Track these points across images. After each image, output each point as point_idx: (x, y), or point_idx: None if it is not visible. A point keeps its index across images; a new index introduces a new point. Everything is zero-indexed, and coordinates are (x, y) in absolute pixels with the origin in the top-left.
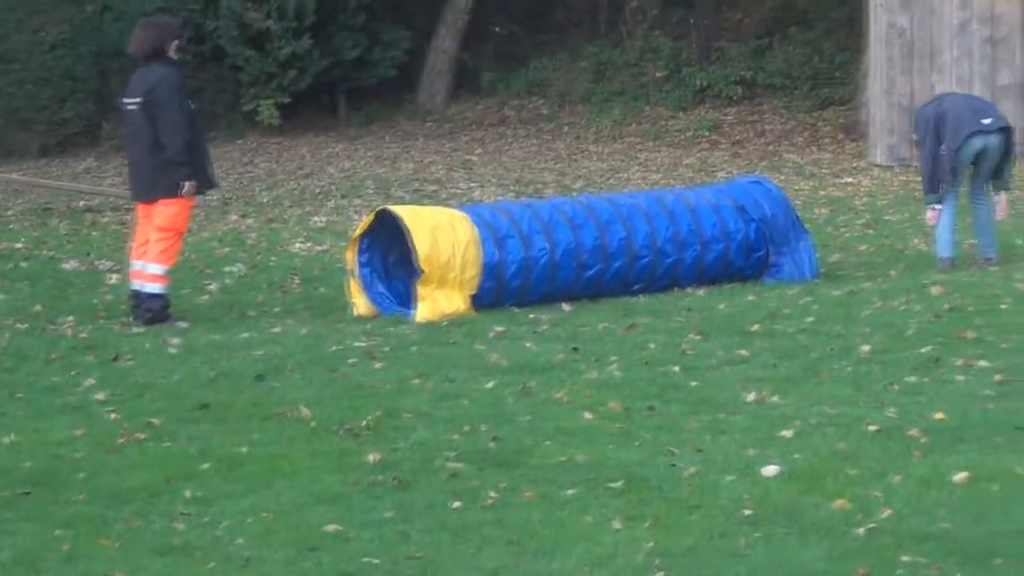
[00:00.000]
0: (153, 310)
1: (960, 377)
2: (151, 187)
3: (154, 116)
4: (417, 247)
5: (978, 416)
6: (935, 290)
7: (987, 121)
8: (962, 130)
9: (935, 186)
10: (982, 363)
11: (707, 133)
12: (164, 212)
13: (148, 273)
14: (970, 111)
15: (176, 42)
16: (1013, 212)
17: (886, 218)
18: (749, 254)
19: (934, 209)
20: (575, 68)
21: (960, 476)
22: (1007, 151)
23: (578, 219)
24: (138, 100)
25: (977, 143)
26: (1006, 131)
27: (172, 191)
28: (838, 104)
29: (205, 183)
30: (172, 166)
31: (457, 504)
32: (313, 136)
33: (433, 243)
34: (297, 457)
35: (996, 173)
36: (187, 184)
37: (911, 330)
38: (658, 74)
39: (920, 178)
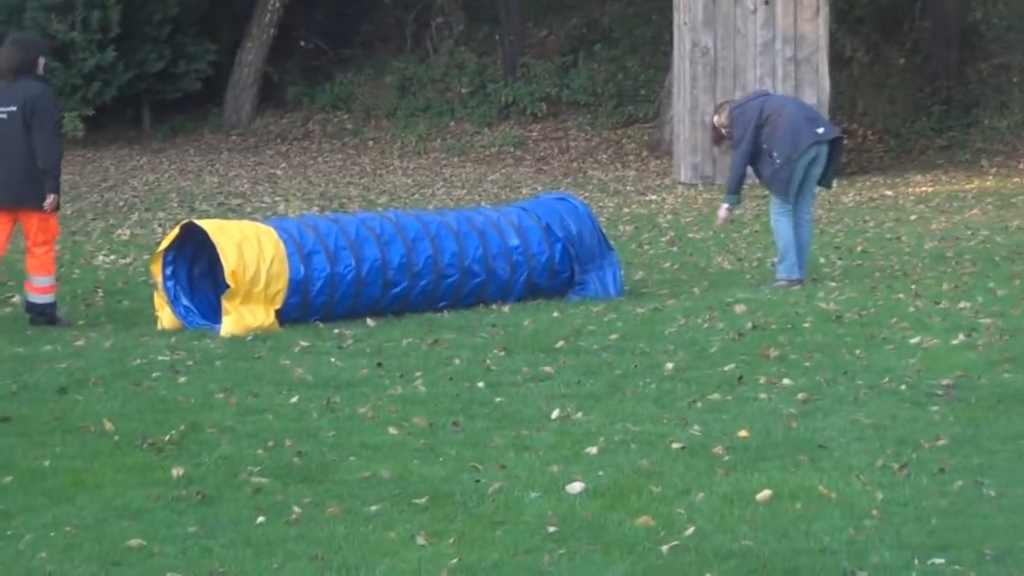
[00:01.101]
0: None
1: (763, 395)
2: (19, 196)
3: (30, 127)
4: (224, 261)
5: (781, 434)
6: (738, 308)
7: (821, 131)
8: (801, 140)
9: (739, 186)
10: (785, 381)
11: (512, 149)
12: (41, 223)
13: (36, 286)
14: (805, 120)
15: (43, 59)
16: (817, 231)
17: (690, 236)
18: (555, 274)
19: (728, 209)
20: (381, 83)
21: (763, 494)
22: (833, 159)
23: (385, 236)
24: (11, 109)
25: (812, 153)
26: (838, 140)
27: (40, 201)
28: (643, 121)
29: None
30: (42, 177)
31: (261, 519)
32: (117, 149)
33: (239, 257)
34: (100, 471)
35: (821, 179)
36: (52, 196)
37: (714, 348)
38: (463, 89)
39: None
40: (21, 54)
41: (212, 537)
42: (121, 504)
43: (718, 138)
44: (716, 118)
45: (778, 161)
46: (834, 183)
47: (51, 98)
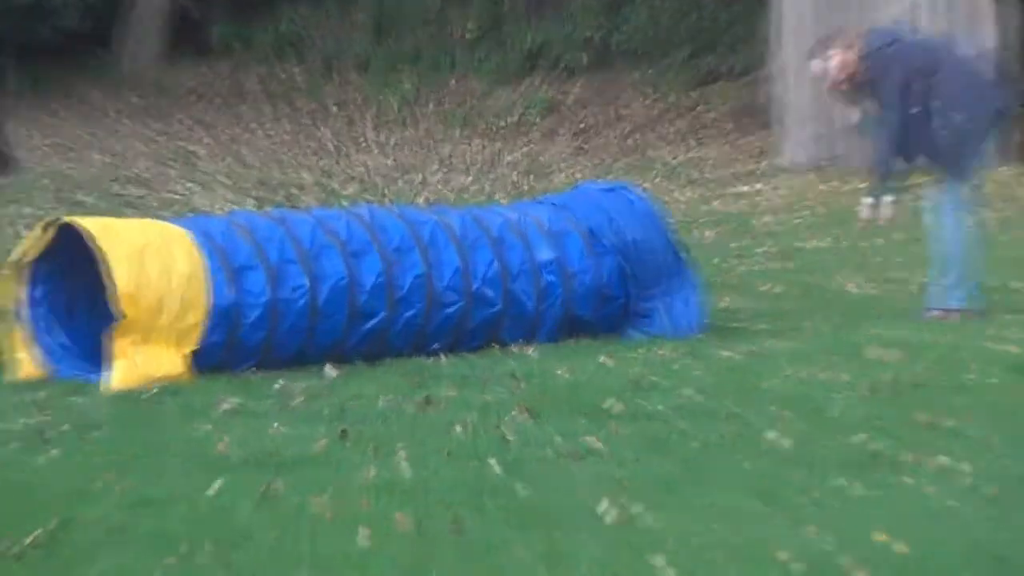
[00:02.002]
0: None
1: (911, 481)
2: None
3: None
4: (115, 279)
5: (944, 541)
6: (873, 352)
7: (999, 96)
8: (983, 100)
9: (888, 171)
10: (943, 460)
11: (539, 118)
12: None
13: None
14: (979, 73)
15: None
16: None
17: (800, 245)
18: (604, 301)
19: (873, 205)
20: (348, 22)
21: None
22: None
23: (354, 244)
24: None
25: (988, 125)
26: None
27: None
28: (729, 78)
29: None
30: None
31: None
32: None
33: (139, 274)
34: None
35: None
36: None
37: (838, 410)
38: (468, 32)
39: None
40: None
41: None
42: None
43: (844, 89)
44: (822, 61)
45: (944, 133)
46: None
47: None
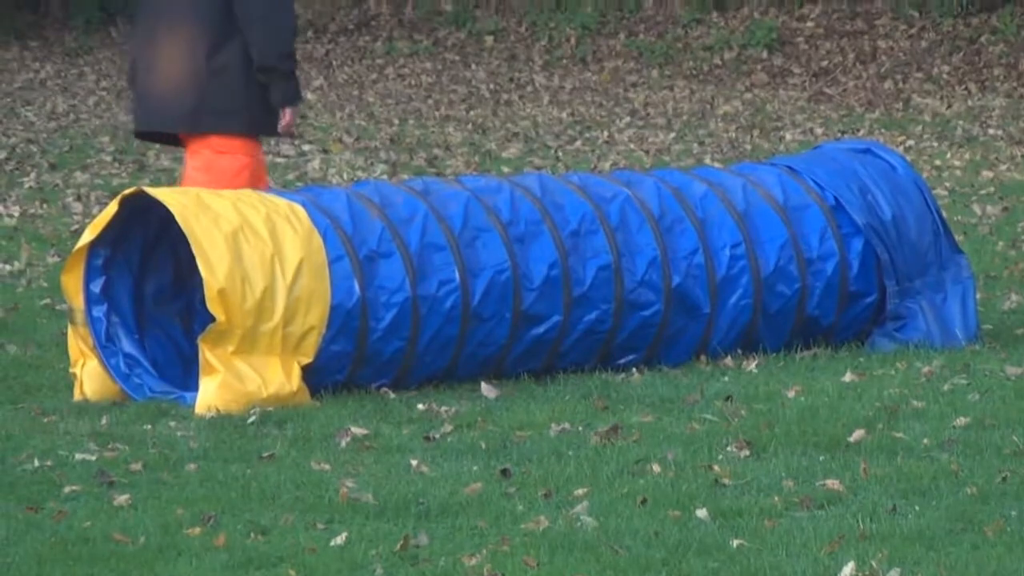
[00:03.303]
0: None
1: None
2: (192, 116)
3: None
4: (204, 270)
5: None
6: None
7: None
8: None
9: None
10: None
11: (765, 54)
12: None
13: None
14: None
15: None
16: None
17: None
18: (852, 299)
19: None
20: None
21: None
22: None
23: (520, 223)
24: None
25: None
26: None
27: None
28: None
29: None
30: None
31: None
32: (7, 46)
33: (235, 263)
34: None
35: None
36: (288, 112)
37: None
38: None
39: None
40: None
41: None
42: None
43: None
44: None
45: None
46: None
47: None
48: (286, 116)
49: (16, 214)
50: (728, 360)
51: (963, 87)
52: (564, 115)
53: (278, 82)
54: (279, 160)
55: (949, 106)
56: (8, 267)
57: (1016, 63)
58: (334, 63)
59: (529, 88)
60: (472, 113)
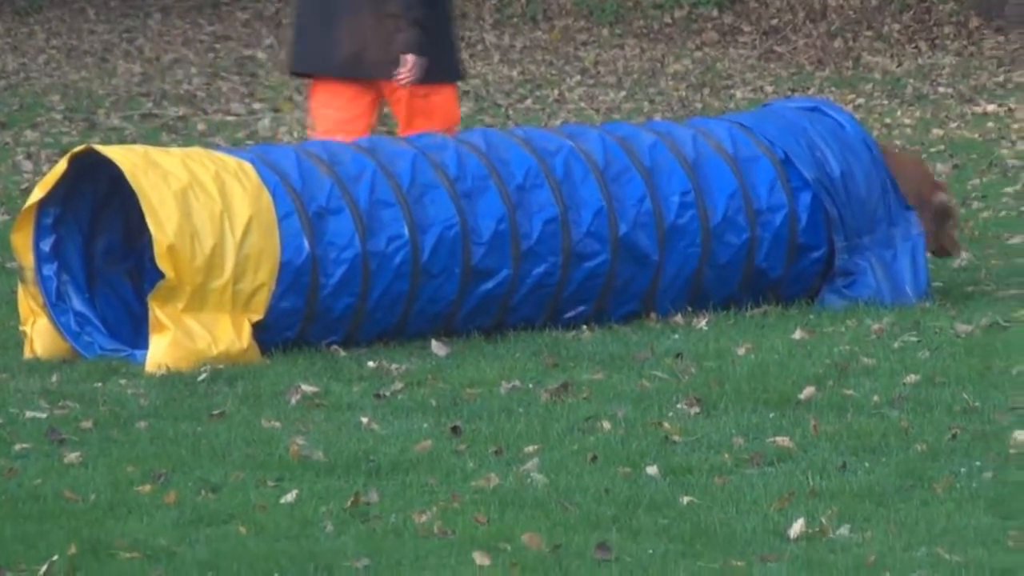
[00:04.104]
0: None
1: None
2: (374, 60)
3: None
4: (153, 227)
5: None
6: None
7: None
8: None
9: None
10: None
11: (716, 12)
12: (417, 104)
13: None
14: None
15: None
16: None
17: None
18: (798, 254)
19: None
20: None
21: None
22: None
23: (467, 179)
24: None
25: None
26: None
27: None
28: None
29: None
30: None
31: None
32: None
33: (183, 220)
34: None
35: None
36: (410, 58)
37: None
38: None
39: None
40: None
41: None
42: None
43: None
44: None
45: None
46: None
47: None
48: (407, 62)
49: None
50: (678, 318)
51: (913, 45)
52: (514, 74)
53: (402, 29)
54: (229, 119)
55: (899, 64)
56: None
57: (966, 21)
58: (283, 21)
59: (479, 47)
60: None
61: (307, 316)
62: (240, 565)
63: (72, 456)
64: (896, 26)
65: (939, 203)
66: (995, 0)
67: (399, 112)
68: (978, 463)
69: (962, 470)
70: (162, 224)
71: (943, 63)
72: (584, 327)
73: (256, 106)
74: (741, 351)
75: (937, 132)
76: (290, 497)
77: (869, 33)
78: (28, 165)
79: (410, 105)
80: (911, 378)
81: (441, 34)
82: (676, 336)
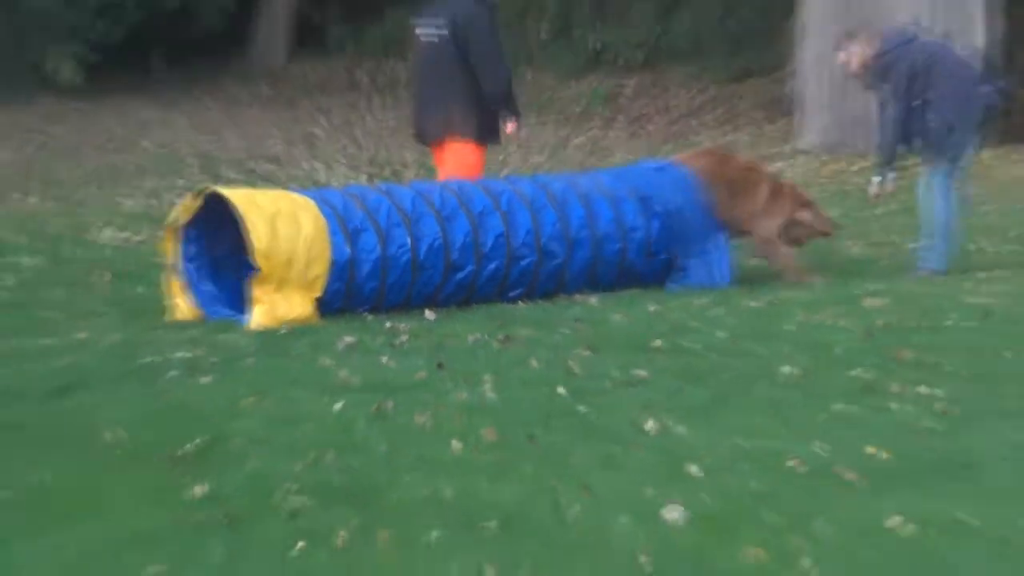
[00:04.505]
0: None
1: (897, 406)
2: (446, 127)
3: (465, 50)
4: (253, 239)
5: (919, 452)
6: (869, 302)
7: (987, 91)
8: (971, 100)
9: (894, 154)
10: (923, 390)
11: (601, 107)
12: (458, 156)
13: None
14: (972, 74)
15: None
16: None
17: None
18: (651, 256)
19: (880, 183)
20: None
21: (897, 523)
22: (985, 122)
23: (447, 210)
24: (442, 33)
25: (979, 116)
26: (995, 107)
27: (464, 131)
28: (759, 75)
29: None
30: (485, 106)
31: (300, 546)
32: (122, 101)
33: (272, 235)
34: (109, 489)
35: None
36: (512, 122)
37: (840, 349)
38: (543, 34)
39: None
40: None
41: (242, 567)
42: (134, 528)
43: (861, 77)
44: (846, 53)
45: (937, 123)
46: (982, 152)
47: (488, 17)
48: (509, 126)
49: (139, 206)
50: (578, 296)
51: (721, 129)
52: None
53: (501, 105)
54: (299, 172)
55: (713, 141)
56: (136, 237)
57: (755, 116)
58: (333, 111)
59: None
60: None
61: (347, 294)
62: (308, 446)
63: (204, 380)
64: (711, 116)
65: (801, 218)
66: (777, 99)
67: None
68: (759, 386)
69: (759, 389)
70: (260, 237)
71: (741, 139)
72: (520, 302)
73: (316, 164)
74: (617, 317)
75: None
76: (338, 406)
77: (695, 122)
78: (177, 200)
79: (438, 157)
80: (719, 334)
81: (458, 102)
82: (577, 308)
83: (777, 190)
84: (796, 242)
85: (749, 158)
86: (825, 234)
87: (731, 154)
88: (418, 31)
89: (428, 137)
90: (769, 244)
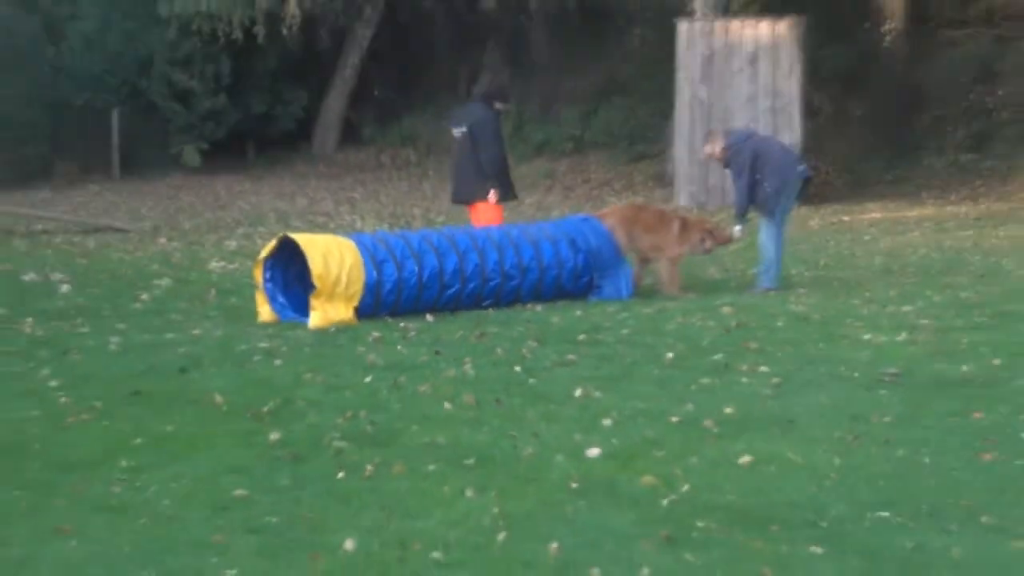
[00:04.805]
0: None
1: (745, 380)
2: (472, 193)
3: (477, 143)
4: (312, 267)
5: (759, 411)
6: (725, 310)
7: (801, 169)
8: (788, 176)
9: (746, 211)
10: (762, 368)
11: (544, 179)
12: (485, 211)
13: None
14: (790, 160)
15: (502, 104)
16: (789, 248)
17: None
18: (578, 279)
19: (741, 229)
20: (439, 124)
21: (744, 459)
22: (800, 191)
23: (442, 248)
24: (463, 130)
25: (795, 186)
26: (808, 178)
27: (484, 195)
28: (650, 158)
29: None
30: (485, 178)
31: (341, 475)
32: (226, 176)
33: (325, 264)
34: (212, 435)
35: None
36: (492, 192)
37: (706, 341)
38: (505, 131)
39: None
40: (492, 89)
41: (301, 489)
42: (229, 462)
43: (718, 160)
44: (710, 146)
45: (769, 190)
46: (796, 208)
47: (493, 123)
48: (491, 194)
49: (235, 245)
50: (529, 306)
51: (624, 194)
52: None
53: (491, 180)
54: (343, 222)
55: (620, 200)
56: (233, 266)
57: (648, 183)
58: (367, 183)
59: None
60: (423, 203)
61: (375, 305)
62: (347, 406)
63: (278, 362)
64: (619, 185)
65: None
66: (661, 174)
67: (474, 215)
68: (650, 366)
69: (651, 368)
70: (317, 265)
71: (638, 201)
72: (491, 310)
73: (355, 217)
74: (555, 319)
75: None
76: (368, 379)
77: (607, 189)
78: (261, 242)
79: (472, 213)
80: (624, 331)
81: (479, 177)
82: (528, 313)
83: (686, 224)
84: (707, 252)
85: (662, 207)
86: (726, 243)
87: (647, 205)
88: (453, 129)
89: (461, 199)
90: (672, 264)
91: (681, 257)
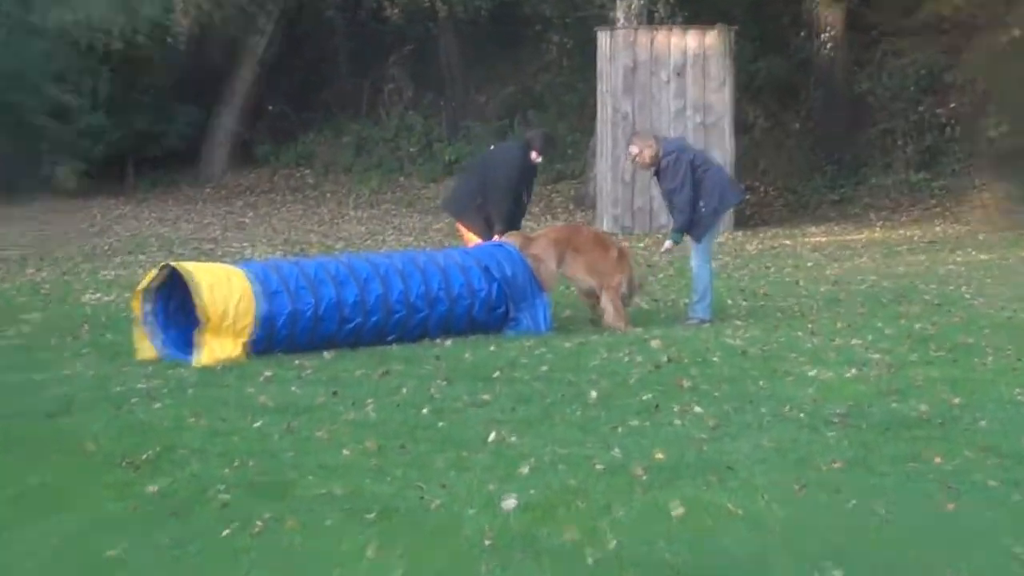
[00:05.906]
0: None
1: (677, 421)
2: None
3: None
4: (197, 299)
5: (693, 456)
6: (655, 343)
7: (740, 190)
8: (726, 198)
9: (689, 224)
10: (697, 409)
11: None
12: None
13: None
14: (728, 180)
15: (538, 156)
16: (724, 276)
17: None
18: (492, 310)
19: (673, 243)
20: (338, 143)
21: (677, 510)
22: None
23: (340, 277)
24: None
25: (729, 210)
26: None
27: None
28: (570, 178)
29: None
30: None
31: (227, 531)
32: (104, 199)
33: (212, 296)
34: (84, 488)
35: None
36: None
37: (634, 379)
38: (412, 149)
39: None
40: (538, 135)
41: (183, 548)
42: (102, 518)
43: (647, 167)
44: (637, 148)
45: (704, 211)
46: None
47: (517, 169)
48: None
49: (112, 275)
50: (438, 340)
51: (544, 217)
52: (363, 229)
53: (491, 212)
54: (231, 249)
55: (538, 225)
56: (107, 298)
57: (568, 205)
58: (259, 206)
59: (346, 217)
60: (321, 228)
61: (267, 340)
62: (235, 454)
63: (156, 405)
64: (536, 209)
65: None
66: (582, 196)
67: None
68: (573, 407)
69: (572, 409)
70: (203, 298)
71: (557, 225)
72: (395, 344)
73: (244, 244)
74: (467, 355)
75: None
76: (258, 423)
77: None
78: (140, 272)
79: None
80: (543, 368)
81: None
82: (437, 348)
83: (623, 252)
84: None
85: (598, 231)
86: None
87: (582, 227)
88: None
89: (450, 210)
90: (615, 293)
91: (620, 287)
